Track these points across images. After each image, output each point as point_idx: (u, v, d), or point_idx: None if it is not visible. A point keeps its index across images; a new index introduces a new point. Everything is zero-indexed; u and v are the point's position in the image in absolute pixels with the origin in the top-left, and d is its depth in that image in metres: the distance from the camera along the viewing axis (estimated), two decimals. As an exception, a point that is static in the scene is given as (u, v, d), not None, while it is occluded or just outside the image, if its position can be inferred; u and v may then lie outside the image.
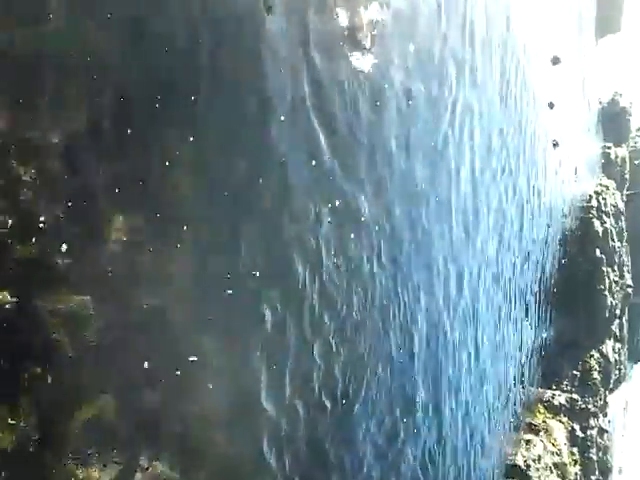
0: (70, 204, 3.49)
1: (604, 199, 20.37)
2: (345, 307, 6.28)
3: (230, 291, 4.71)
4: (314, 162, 5.64)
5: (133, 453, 4.11)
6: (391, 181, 6.98)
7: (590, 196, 19.93)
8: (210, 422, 4.79)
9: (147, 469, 4.18)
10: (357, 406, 6.68)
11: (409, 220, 7.50)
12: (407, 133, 7.25)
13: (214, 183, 4.61)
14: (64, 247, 3.46)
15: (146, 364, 4.12)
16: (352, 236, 6.28)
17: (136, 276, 4.02)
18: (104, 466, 3.85)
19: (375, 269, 6.80)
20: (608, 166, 22.73)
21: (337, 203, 5.99)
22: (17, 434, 3.29)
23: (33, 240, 3.35)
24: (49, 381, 3.47)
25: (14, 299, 3.22)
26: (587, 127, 20.95)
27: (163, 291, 4.22)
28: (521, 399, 15.84)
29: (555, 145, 15.29)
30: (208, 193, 4.56)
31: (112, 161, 3.73)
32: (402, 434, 7.74)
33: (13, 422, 3.28)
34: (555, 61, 14.77)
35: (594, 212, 19.53)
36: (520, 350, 14.85)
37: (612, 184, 21.82)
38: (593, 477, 19.57)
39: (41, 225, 3.36)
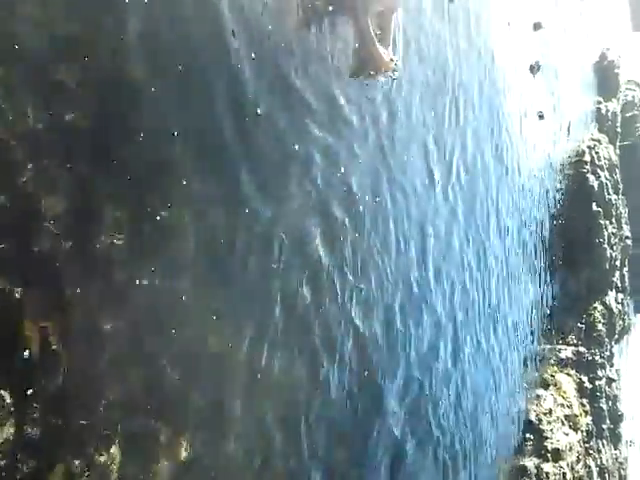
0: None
1: (597, 153, 20.53)
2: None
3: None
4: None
5: (155, 434, 4.25)
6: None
7: (583, 151, 20.07)
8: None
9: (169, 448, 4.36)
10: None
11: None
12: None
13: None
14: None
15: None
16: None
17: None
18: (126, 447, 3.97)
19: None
20: (600, 120, 22.83)
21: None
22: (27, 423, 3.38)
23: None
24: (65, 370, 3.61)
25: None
26: (581, 84, 21.01)
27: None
28: (532, 356, 16.19)
29: (541, 117, 15.27)
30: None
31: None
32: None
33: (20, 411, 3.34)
34: (536, 27, 14.72)
35: (588, 167, 19.71)
36: (526, 308, 15.16)
37: (604, 138, 21.94)
38: (604, 425, 20.01)
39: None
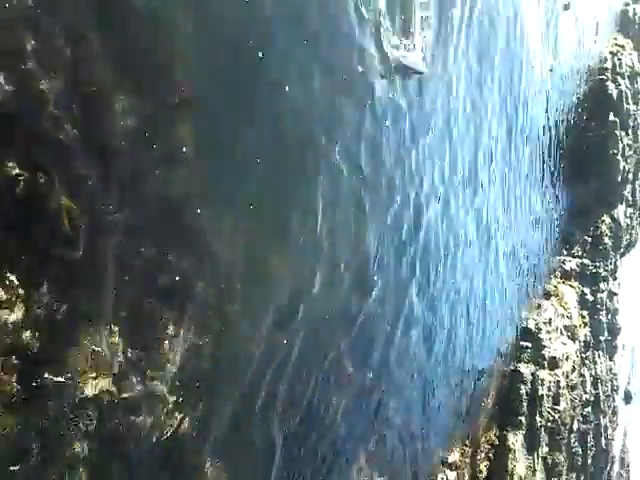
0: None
1: (620, 60, 19.40)
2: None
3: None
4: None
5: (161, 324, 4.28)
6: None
7: (605, 57, 18.98)
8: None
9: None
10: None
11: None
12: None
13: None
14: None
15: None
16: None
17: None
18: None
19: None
20: (626, 25, 21.41)
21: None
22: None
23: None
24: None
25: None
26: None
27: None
28: (537, 267, 16.09)
29: (566, 7, 14.34)
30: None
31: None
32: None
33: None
34: None
35: (609, 74, 18.70)
36: (532, 217, 14.84)
37: (629, 44, 20.66)
38: (602, 337, 20.27)
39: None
